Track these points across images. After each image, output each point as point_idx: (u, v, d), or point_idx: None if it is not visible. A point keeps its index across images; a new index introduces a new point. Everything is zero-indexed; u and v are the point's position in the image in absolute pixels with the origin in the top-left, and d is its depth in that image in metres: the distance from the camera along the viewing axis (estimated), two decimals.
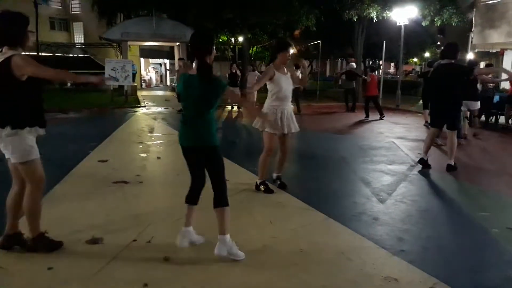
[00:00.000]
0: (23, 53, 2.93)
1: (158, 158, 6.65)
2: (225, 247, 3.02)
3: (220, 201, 3.06)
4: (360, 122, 11.53)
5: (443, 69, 5.74)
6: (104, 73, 15.29)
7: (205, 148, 3.03)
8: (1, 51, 2.87)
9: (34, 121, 2.93)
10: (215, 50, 3.08)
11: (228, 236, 3.04)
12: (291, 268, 2.96)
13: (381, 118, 12.01)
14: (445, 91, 5.69)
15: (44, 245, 3.08)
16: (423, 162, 5.96)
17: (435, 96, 5.91)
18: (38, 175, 3.01)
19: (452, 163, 5.85)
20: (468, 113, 8.57)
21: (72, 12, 34.19)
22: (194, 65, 2.99)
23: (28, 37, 2.98)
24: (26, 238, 3.14)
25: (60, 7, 33.40)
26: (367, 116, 12.13)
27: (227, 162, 6.11)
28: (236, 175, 5.42)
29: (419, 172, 5.83)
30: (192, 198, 3.21)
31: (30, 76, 2.84)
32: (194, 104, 2.99)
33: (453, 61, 5.74)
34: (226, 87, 3.05)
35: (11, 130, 2.83)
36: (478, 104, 8.33)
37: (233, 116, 13.00)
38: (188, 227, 3.21)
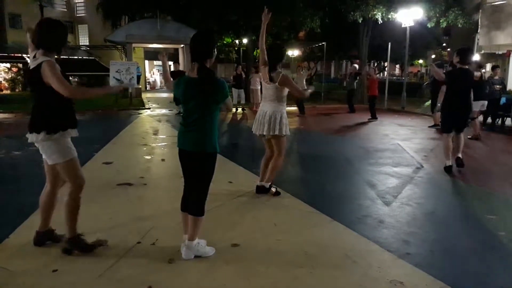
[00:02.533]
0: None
1: (163, 160, 6.65)
2: (192, 252, 3.06)
3: (192, 210, 3.02)
4: (365, 124, 11.49)
5: (457, 74, 5.80)
6: (108, 75, 15.32)
7: (199, 153, 2.95)
8: (34, 56, 2.93)
9: (67, 123, 3.00)
10: (216, 52, 3.05)
11: (195, 241, 3.05)
12: (296, 271, 2.94)
13: (370, 120, 12.12)
14: (459, 96, 5.76)
15: (80, 246, 3.11)
16: (450, 168, 5.86)
17: (448, 101, 5.91)
18: (78, 174, 3.09)
19: (461, 156, 5.94)
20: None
21: (77, 15, 34.37)
22: (191, 67, 2.97)
23: (63, 44, 3.06)
24: (59, 236, 3.26)
25: (65, 10, 33.59)
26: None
27: (230, 164, 6.17)
28: (239, 177, 5.41)
29: (425, 174, 5.79)
30: (186, 205, 3.12)
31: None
32: (193, 108, 2.92)
33: (466, 66, 5.79)
34: (227, 97, 2.98)
35: (46, 135, 2.90)
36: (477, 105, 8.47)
37: (238, 118, 13.00)
38: (187, 235, 3.12)
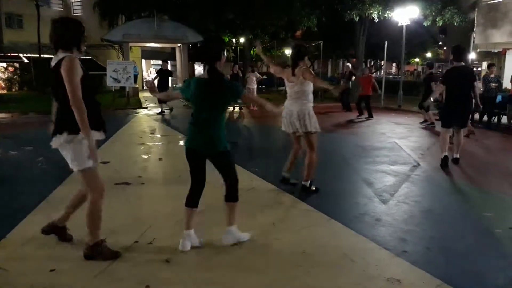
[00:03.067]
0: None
1: (160, 159, 6.65)
2: (233, 236, 3.27)
3: (231, 196, 3.21)
4: (362, 122, 11.51)
5: (455, 71, 5.99)
6: (105, 74, 15.30)
7: (213, 153, 3.10)
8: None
9: (90, 124, 2.82)
10: (225, 55, 3.12)
11: (233, 227, 3.26)
12: (294, 270, 2.95)
13: (367, 118, 12.25)
14: (458, 92, 5.96)
15: (102, 253, 3.04)
16: (446, 159, 6.05)
17: (448, 98, 6.13)
18: (99, 182, 2.99)
19: (458, 156, 6.21)
20: None
21: (74, 14, 34.20)
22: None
23: (82, 41, 2.95)
24: (69, 235, 3.27)
25: (62, 9, 33.43)
26: (361, 114, 12.43)
27: None
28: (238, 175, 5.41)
29: (422, 172, 5.81)
30: (192, 201, 3.22)
31: (81, 78, 2.78)
32: (203, 108, 3.03)
33: (462, 63, 6.03)
34: (242, 92, 3.10)
35: (68, 135, 2.80)
36: None
37: (235, 117, 13.00)
38: (189, 230, 3.22)
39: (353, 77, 14.96)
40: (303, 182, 4.78)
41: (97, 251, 3.03)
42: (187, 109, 15.68)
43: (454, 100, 6.04)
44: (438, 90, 6.34)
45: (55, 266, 2.93)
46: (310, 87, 4.54)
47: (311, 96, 4.61)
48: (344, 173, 5.90)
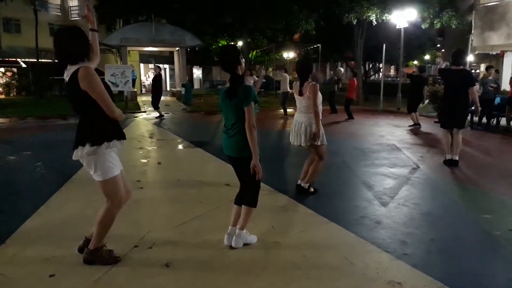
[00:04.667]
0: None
1: (159, 163, 6.64)
2: (241, 240, 3.33)
3: (246, 200, 3.31)
4: (361, 125, 11.52)
5: (454, 74, 6.17)
6: (103, 78, 15.30)
7: (238, 158, 3.24)
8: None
9: (112, 135, 2.84)
10: (243, 59, 3.22)
11: (244, 231, 3.33)
12: (294, 273, 2.93)
13: (347, 120, 12.47)
14: (457, 94, 6.14)
15: (102, 258, 3.02)
16: (449, 162, 6.29)
17: (447, 100, 6.32)
18: (119, 193, 2.96)
19: (457, 158, 6.31)
20: None
21: (72, 19, 34.22)
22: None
23: (89, 48, 2.88)
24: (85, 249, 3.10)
25: (60, 14, 33.49)
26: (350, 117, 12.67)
27: (227, 167, 6.13)
28: (237, 180, 5.39)
29: (422, 175, 5.81)
30: (239, 200, 3.42)
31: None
32: (230, 116, 3.18)
33: (460, 67, 6.22)
34: (248, 104, 3.05)
35: (90, 147, 2.76)
36: None
37: None
38: (234, 226, 3.36)
39: (340, 83, 15.37)
40: (302, 184, 4.82)
41: (97, 256, 3.01)
42: (186, 113, 15.70)
43: (451, 101, 6.22)
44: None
45: (54, 271, 2.91)
46: (319, 99, 4.59)
47: (320, 107, 4.65)
48: (344, 175, 5.89)
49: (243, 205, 3.31)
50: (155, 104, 13.46)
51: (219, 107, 3.29)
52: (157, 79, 13.43)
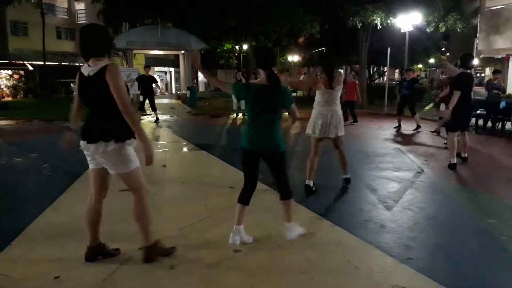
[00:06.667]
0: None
1: (164, 166, 6.66)
2: (295, 231, 3.46)
3: (285, 195, 3.40)
4: (364, 128, 11.51)
5: (464, 78, 6.28)
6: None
7: (272, 154, 3.30)
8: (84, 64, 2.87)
9: (131, 132, 2.88)
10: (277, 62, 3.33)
11: (292, 223, 3.46)
12: (298, 276, 2.94)
13: (352, 123, 12.60)
14: (466, 98, 6.22)
15: (160, 251, 3.15)
16: (454, 166, 6.33)
17: (464, 104, 6.32)
18: (142, 182, 3.05)
19: (466, 155, 6.72)
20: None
21: (78, 22, 34.48)
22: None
23: (112, 46, 2.98)
24: (112, 250, 3.19)
25: (67, 17, 33.76)
26: (345, 119, 12.52)
27: (231, 169, 6.18)
28: (241, 183, 5.40)
29: (426, 178, 5.79)
30: (245, 199, 3.45)
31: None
32: (262, 112, 3.23)
33: (468, 71, 6.34)
34: (293, 102, 3.29)
35: (115, 143, 2.81)
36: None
37: (238, 124, 13.02)
38: (239, 226, 3.42)
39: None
40: (344, 176, 5.32)
41: (156, 250, 3.10)
42: (191, 116, 15.75)
43: (466, 104, 6.33)
44: (456, 97, 6.22)
45: (59, 273, 2.93)
46: (340, 92, 4.88)
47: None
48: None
49: (285, 200, 3.41)
50: (154, 107, 12.96)
51: (242, 97, 3.36)
52: (146, 80, 12.79)
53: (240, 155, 3.39)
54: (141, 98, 12.90)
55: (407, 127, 11.59)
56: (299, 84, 5.02)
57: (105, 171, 3.00)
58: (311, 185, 5.02)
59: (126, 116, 2.74)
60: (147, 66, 13.62)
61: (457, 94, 6.13)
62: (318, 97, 4.91)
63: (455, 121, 6.39)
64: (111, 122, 2.82)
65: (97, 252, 3.13)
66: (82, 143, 2.90)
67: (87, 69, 2.82)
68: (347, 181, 5.35)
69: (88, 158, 3.00)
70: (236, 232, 3.41)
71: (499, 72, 10.98)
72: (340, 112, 4.93)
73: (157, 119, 13.09)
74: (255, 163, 3.39)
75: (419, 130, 10.87)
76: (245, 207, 3.43)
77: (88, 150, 2.89)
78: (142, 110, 13.04)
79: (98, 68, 2.75)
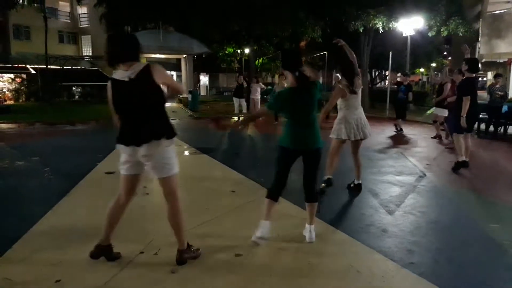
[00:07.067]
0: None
1: None
2: (313, 234, 3.56)
3: (313, 197, 3.57)
4: None
5: (471, 82, 6.47)
6: None
7: (314, 150, 3.45)
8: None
9: (167, 134, 2.91)
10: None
11: (313, 225, 3.58)
12: (299, 281, 2.93)
13: None
14: (473, 101, 6.36)
15: (192, 253, 3.19)
16: (460, 164, 6.48)
17: (473, 107, 6.46)
18: (177, 186, 3.08)
19: (467, 159, 6.68)
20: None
21: (81, 26, 34.71)
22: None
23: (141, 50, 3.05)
24: (115, 254, 3.20)
25: (69, 21, 33.94)
26: None
27: (232, 173, 6.17)
28: (242, 187, 5.41)
29: (428, 183, 5.78)
30: (276, 195, 3.54)
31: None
32: (306, 112, 3.38)
33: (474, 75, 6.49)
34: (319, 95, 3.45)
35: (166, 140, 2.86)
36: (445, 112, 9.38)
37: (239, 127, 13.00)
38: (267, 221, 3.50)
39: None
40: (357, 182, 5.29)
41: (189, 252, 3.15)
42: (192, 119, 15.75)
43: (475, 108, 6.44)
44: (468, 103, 6.29)
45: (60, 276, 2.93)
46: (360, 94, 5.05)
47: None
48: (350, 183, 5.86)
49: (311, 203, 3.54)
50: None
51: (281, 108, 3.45)
52: None
53: (279, 155, 3.48)
54: None
55: (409, 131, 11.58)
56: (333, 103, 5.07)
57: (137, 179, 3.07)
58: (330, 178, 5.22)
59: (181, 92, 3.08)
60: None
61: (468, 101, 6.24)
62: (342, 102, 5.01)
63: (464, 123, 6.53)
64: (158, 121, 2.88)
65: (104, 253, 3.14)
66: (128, 148, 2.86)
67: (123, 74, 2.81)
68: (359, 187, 5.30)
69: (126, 165, 2.97)
70: (264, 227, 3.48)
71: (500, 76, 10.98)
72: (363, 114, 5.08)
73: None
74: (292, 162, 3.50)
75: (401, 132, 11.29)
76: (274, 203, 3.53)
77: (134, 154, 2.87)
78: None
79: (138, 70, 2.79)
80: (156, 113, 2.88)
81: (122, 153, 2.93)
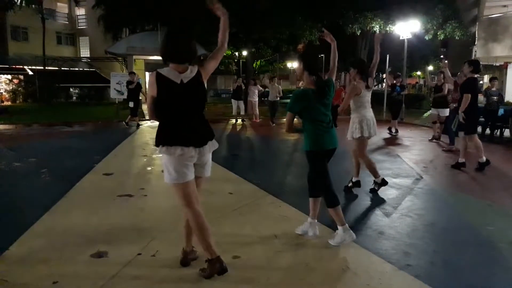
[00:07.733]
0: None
1: (163, 171, 6.66)
2: (338, 238, 3.57)
3: (327, 202, 3.62)
4: None
5: (474, 82, 6.64)
6: (109, 86, 15.42)
7: (335, 148, 3.59)
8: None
9: (208, 137, 2.98)
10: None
11: (341, 228, 3.56)
12: (297, 283, 2.93)
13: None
14: (475, 101, 6.58)
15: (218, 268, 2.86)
16: (484, 164, 6.73)
17: (476, 107, 6.70)
18: None
19: (464, 160, 6.85)
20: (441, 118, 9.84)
21: (79, 27, 34.66)
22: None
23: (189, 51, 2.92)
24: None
25: (67, 22, 33.88)
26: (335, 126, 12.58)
27: (230, 175, 6.18)
28: (240, 188, 5.42)
29: (425, 185, 5.80)
30: (319, 194, 3.70)
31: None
32: (326, 113, 3.50)
33: (476, 76, 6.68)
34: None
35: (213, 141, 2.98)
36: (447, 111, 9.45)
37: (237, 129, 13.03)
38: (314, 219, 3.73)
39: None
40: (355, 179, 5.41)
41: (216, 265, 2.85)
42: None
43: (476, 108, 6.65)
44: (467, 100, 6.52)
45: (58, 278, 2.92)
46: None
47: None
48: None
49: (329, 208, 3.58)
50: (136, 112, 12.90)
51: (302, 111, 3.48)
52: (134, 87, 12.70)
53: (319, 159, 3.55)
54: (131, 104, 12.81)
55: (406, 134, 11.62)
56: (349, 100, 5.09)
57: (198, 180, 3.04)
58: (359, 180, 5.43)
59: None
60: (133, 73, 13.33)
61: (467, 98, 6.42)
62: (357, 101, 5.08)
63: (471, 122, 6.70)
64: (207, 121, 2.97)
65: (191, 257, 3.19)
66: (191, 150, 2.78)
67: (178, 77, 2.75)
68: (358, 184, 5.47)
69: (189, 169, 2.85)
70: (312, 224, 3.71)
71: (495, 79, 11.05)
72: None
73: (138, 125, 13.05)
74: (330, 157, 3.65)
75: (395, 134, 11.41)
76: (318, 200, 3.71)
77: (198, 156, 2.85)
78: (135, 115, 12.98)
79: (195, 72, 2.82)
80: (203, 115, 2.96)
81: (174, 155, 2.77)
